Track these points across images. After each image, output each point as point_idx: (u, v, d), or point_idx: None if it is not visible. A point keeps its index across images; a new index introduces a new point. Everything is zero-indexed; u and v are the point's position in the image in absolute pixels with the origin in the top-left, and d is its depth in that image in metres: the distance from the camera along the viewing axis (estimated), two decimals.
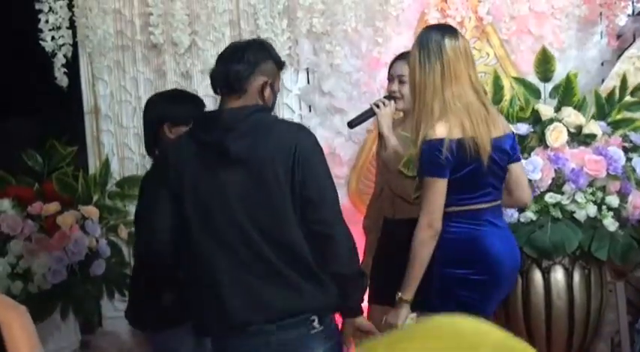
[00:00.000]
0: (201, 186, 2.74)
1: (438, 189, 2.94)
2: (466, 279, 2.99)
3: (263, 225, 2.69)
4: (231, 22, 4.72)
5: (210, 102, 4.79)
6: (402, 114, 3.72)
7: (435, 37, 3.02)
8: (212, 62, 4.57)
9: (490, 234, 3.03)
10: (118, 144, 4.92)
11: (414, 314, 3.03)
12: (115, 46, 4.83)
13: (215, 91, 2.89)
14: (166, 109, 3.34)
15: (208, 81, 4.64)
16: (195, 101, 3.55)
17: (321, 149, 2.84)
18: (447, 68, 2.98)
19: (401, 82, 3.63)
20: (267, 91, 2.81)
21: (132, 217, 4.59)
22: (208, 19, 4.63)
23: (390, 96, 3.64)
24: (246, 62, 2.80)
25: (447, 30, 3.10)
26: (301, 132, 2.85)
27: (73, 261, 4.06)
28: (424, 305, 3.05)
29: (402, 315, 3.00)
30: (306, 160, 2.71)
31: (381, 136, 3.64)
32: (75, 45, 4.77)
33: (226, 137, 2.70)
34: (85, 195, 4.27)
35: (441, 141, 2.90)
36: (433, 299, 3.02)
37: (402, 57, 3.71)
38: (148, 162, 4.82)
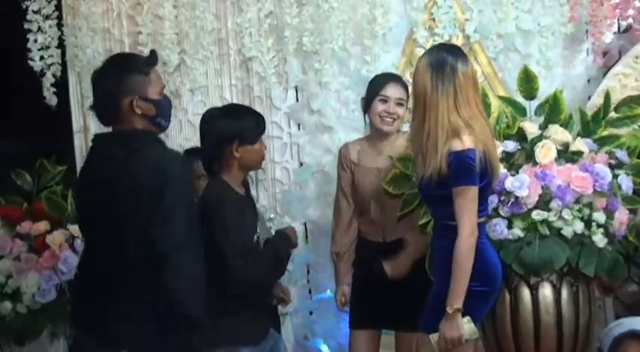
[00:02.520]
0: (84, 208, 2.94)
1: (474, 196, 3.04)
2: (472, 292, 3.06)
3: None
4: (219, 40, 4.76)
5: (199, 121, 4.85)
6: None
7: (449, 60, 3.10)
8: (201, 80, 4.70)
9: (488, 246, 3.20)
10: None
11: (467, 318, 3.07)
12: None
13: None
14: (235, 126, 3.34)
15: (197, 99, 4.78)
16: (258, 117, 3.56)
17: (181, 183, 2.79)
18: (459, 92, 3.07)
19: (399, 105, 3.71)
20: (142, 106, 2.81)
21: None
22: (197, 38, 4.66)
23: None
24: (103, 94, 2.84)
25: (458, 53, 3.18)
26: (164, 162, 2.81)
27: (62, 281, 4.06)
28: (427, 322, 3.14)
29: (460, 324, 3.04)
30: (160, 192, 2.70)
31: None
32: (64, 64, 4.81)
33: (96, 160, 2.87)
34: (75, 214, 4.27)
35: (472, 150, 3.01)
36: (437, 314, 3.09)
37: (397, 80, 3.78)
38: None
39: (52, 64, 4.73)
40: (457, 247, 3.01)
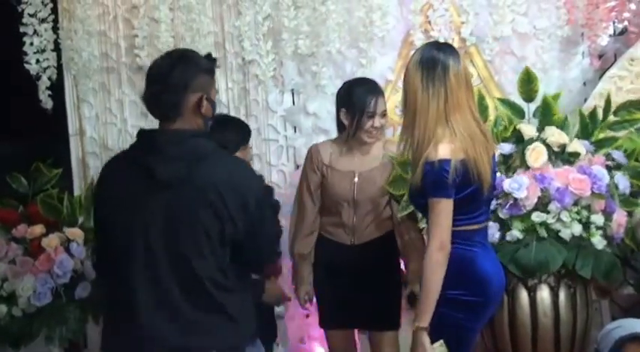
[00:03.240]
0: (122, 208, 2.71)
1: (446, 209, 2.88)
2: (459, 300, 2.95)
3: (178, 253, 2.65)
4: (216, 43, 4.75)
5: None
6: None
7: (441, 59, 2.94)
8: None
9: (480, 255, 3.03)
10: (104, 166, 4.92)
11: (440, 342, 2.93)
12: (100, 68, 4.86)
13: (153, 114, 2.82)
14: (214, 136, 3.31)
15: None
16: (241, 125, 3.60)
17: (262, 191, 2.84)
18: (450, 95, 2.92)
19: (383, 116, 3.74)
20: (204, 106, 2.75)
21: None
22: (193, 42, 4.64)
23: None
24: (175, 87, 2.73)
25: (450, 52, 3.01)
26: (238, 167, 2.81)
27: (58, 284, 4.04)
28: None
29: (426, 344, 2.88)
30: (240, 197, 2.67)
31: None
32: (60, 67, 4.79)
33: (155, 160, 2.65)
34: (70, 218, 4.26)
35: (447, 161, 2.85)
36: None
37: (380, 93, 3.77)
38: None
39: (47, 67, 4.71)
40: (424, 261, 2.90)
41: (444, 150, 2.87)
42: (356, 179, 3.78)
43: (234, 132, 3.57)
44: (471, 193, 2.94)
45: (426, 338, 2.88)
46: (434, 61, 2.94)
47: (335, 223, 3.85)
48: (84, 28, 4.73)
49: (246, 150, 3.62)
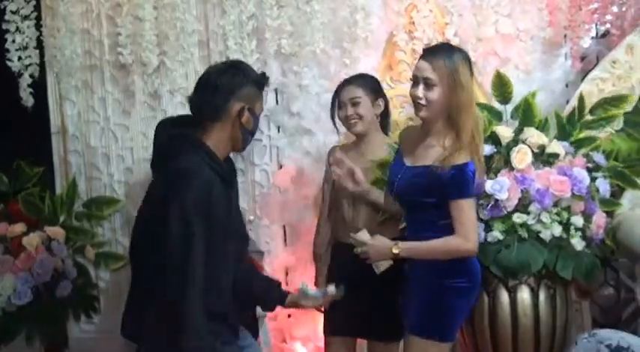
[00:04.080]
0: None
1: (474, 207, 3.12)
2: (463, 288, 3.15)
3: None
4: (200, 42, 4.74)
5: None
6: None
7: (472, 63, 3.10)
8: (180, 82, 4.69)
9: None
10: (86, 164, 4.93)
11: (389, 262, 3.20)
12: (82, 66, 4.85)
13: (194, 117, 2.89)
14: None
15: (177, 100, 4.78)
16: None
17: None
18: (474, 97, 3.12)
19: (354, 105, 3.70)
20: (246, 116, 2.81)
21: (99, 238, 4.62)
22: (177, 40, 4.64)
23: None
24: (220, 90, 2.80)
25: None
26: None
27: (38, 282, 4.05)
28: (419, 324, 3.16)
29: (384, 251, 3.15)
30: None
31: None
32: (42, 65, 4.78)
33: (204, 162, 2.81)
34: (52, 216, 4.26)
35: (472, 163, 3.05)
36: (424, 311, 3.14)
37: (349, 82, 3.79)
38: (115, 183, 4.86)
39: (30, 64, 4.70)
40: (457, 245, 3.08)
41: (465, 155, 3.04)
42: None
43: None
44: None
45: (390, 251, 3.12)
46: (470, 61, 3.10)
47: (341, 223, 3.85)
48: (67, 25, 4.72)
49: None
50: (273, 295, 3.18)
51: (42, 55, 4.75)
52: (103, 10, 4.83)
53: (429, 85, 3.04)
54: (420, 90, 3.07)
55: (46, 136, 4.94)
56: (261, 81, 2.89)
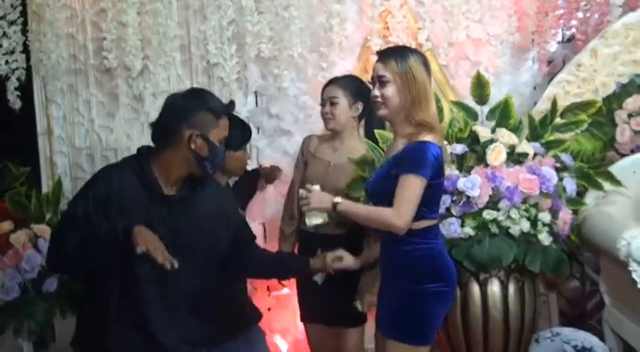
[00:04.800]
0: None
1: (421, 187, 2.91)
2: (439, 293, 3.03)
3: None
4: (182, 47, 4.75)
5: None
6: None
7: (429, 63, 3.08)
8: (163, 85, 4.69)
9: (443, 247, 3.13)
10: (71, 164, 4.92)
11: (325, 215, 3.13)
12: (68, 69, 4.84)
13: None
14: None
15: (159, 103, 4.71)
16: (246, 127, 3.62)
17: None
18: (432, 94, 3.06)
19: (332, 104, 3.73)
20: (198, 143, 2.78)
21: None
22: (160, 44, 4.65)
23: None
24: (173, 116, 2.80)
25: None
26: None
27: (25, 279, 4.02)
28: (391, 328, 3.08)
29: (325, 202, 3.05)
30: None
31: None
32: (29, 69, 4.76)
33: None
34: (38, 214, 4.23)
35: (437, 146, 2.94)
36: (400, 317, 3.04)
37: (332, 82, 3.82)
38: None
39: (16, 68, 4.68)
40: (386, 219, 2.93)
41: (429, 135, 2.94)
42: (330, 168, 3.80)
43: (239, 131, 3.57)
44: (439, 185, 3.02)
45: (328, 203, 3.04)
46: (429, 64, 3.08)
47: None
48: (52, 30, 4.70)
49: (246, 151, 3.66)
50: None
51: (28, 59, 4.74)
52: (88, 16, 4.83)
53: (382, 82, 3.03)
54: (376, 89, 3.06)
55: (32, 137, 4.92)
56: (218, 109, 2.83)
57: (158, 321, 2.82)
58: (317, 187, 3.12)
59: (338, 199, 3.03)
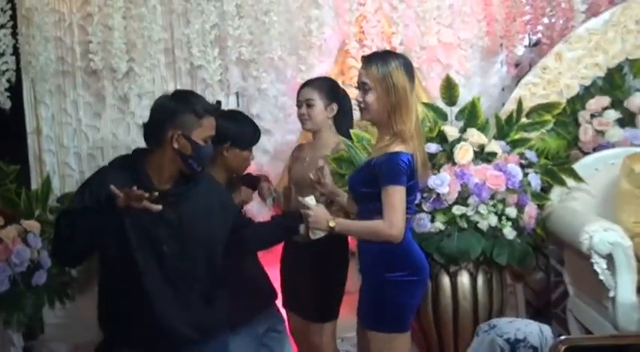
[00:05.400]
0: None
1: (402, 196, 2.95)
2: (404, 281, 3.02)
3: None
4: (166, 49, 4.76)
5: None
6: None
7: (413, 68, 3.07)
8: (148, 87, 4.71)
9: (412, 240, 3.14)
10: (59, 162, 4.92)
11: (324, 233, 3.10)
12: (56, 71, 4.83)
13: None
14: (231, 127, 3.35)
15: (144, 103, 4.79)
16: (257, 127, 3.60)
17: None
18: (417, 99, 3.09)
19: (308, 106, 3.75)
20: (180, 142, 2.81)
21: None
22: (144, 47, 4.65)
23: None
24: (157, 118, 2.84)
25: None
26: None
27: (15, 272, 4.02)
28: (368, 320, 3.09)
29: (322, 221, 3.03)
30: None
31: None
32: (18, 70, 4.76)
33: None
34: (27, 210, 4.24)
35: (408, 154, 2.96)
36: (376, 307, 3.05)
37: (307, 84, 3.83)
38: None
39: (6, 70, 4.68)
40: (380, 230, 2.96)
41: (406, 147, 2.96)
42: (306, 163, 3.79)
43: (252, 130, 3.57)
44: (412, 185, 3.03)
45: (326, 221, 3.02)
46: (412, 68, 3.07)
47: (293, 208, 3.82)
48: (41, 33, 4.70)
49: (251, 152, 3.63)
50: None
51: (18, 61, 4.73)
52: (75, 20, 4.83)
53: (365, 89, 3.04)
54: (359, 95, 3.08)
55: (22, 136, 4.91)
56: (201, 110, 2.85)
57: (164, 309, 2.85)
58: (311, 200, 3.10)
59: (332, 223, 3.03)
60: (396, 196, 2.93)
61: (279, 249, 3.85)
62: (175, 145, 2.81)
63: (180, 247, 2.85)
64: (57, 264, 3.94)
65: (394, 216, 2.93)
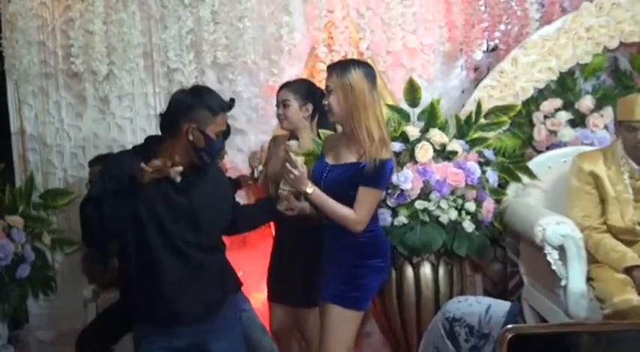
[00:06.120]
0: None
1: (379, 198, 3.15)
2: (376, 267, 3.19)
3: None
4: (144, 53, 4.75)
5: (126, 124, 4.84)
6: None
7: (375, 75, 3.16)
8: (127, 88, 4.70)
9: (381, 229, 3.32)
10: (42, 161, 4.90)
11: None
12: (39, 73, 4.82)
13: None
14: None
15: (124, 104, 4.77)
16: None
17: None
18: (379, 104, 3.14)
19: (284, 106, 3.77)
20: (195, 135, 2.85)
21: (55, 225, 4.60)
22: (124, 51, 4.65)
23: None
24: (174, 111, 2.89)
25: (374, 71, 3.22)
26: None
27: (0, 265, 4.00)
28: (329, 290, 3.17)
29: (304, 186, 3.10)
30: None
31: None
32: (2, 73, 4.75)
33: None
34: (12, 206, 4.22)
35: (390, 160, 3.09)
36: (343, 285, 3.15)
37: (285, 86, 3.85)
38: (68, 177, 4.84)
39: None
40: (347, 222, 3.10)
41: (390, 151, 3.10)
42: (278, 161, 3.75)
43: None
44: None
45: (308, 190, 3.10)
46: (374, 76, 3.15)
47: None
48: (25, 38, 4.68)
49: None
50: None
51: (2, 64, 4.72)
52: (58, 25, 4.82)
53: (329, 92, 3.15)
54: (325, 98, 3.19)
55: (6, 136, 4.90)
56: (215, 106, 2.90)
57: (175, 285, 2.90)
58: (301, 159, 3.16)
59: (310, 189, 3.11)
60: (373, 198, 3.12)
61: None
62: (190, 137, 2.85)
63: (190, 229, 2.91)
64: (91, 247, 3.78)
65: (364, 214, 3.09)
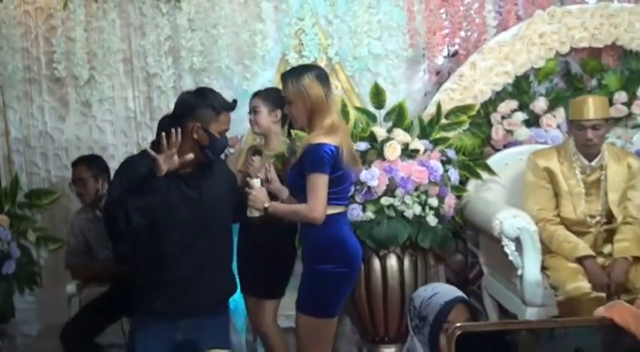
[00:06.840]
0: None
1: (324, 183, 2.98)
2: (333, 273, 3.03)
3: None
4: (124, 59, 4.73)
5: (107, 126, 4.82)
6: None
7: (327, 76, 3.12)
8: (108, 93, 4.69)
9: (347, 234, 3.14)
10: (27, 162, 4.86)
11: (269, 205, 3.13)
12: (23, 79, 4.77)
13: None
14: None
15: (105, 108, 4.75)
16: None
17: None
18: (332, 101, 3.09)
19: (255, 112, 3.78)
20: (199, 134, 2.88)
21: (39, 224, 4.56)
22: (104, 57, 4.63)
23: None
24: (180, 111, 2.92)
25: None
26: None
27: None
28: (300, 299, 3.11)
29: (261, 198, 3.09)
30: None
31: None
32: None
33: None
34: None
35: (325, 144, 2.96)
36: (306, 292, 3.08)
37: (256, 94, 3.87)
38: (53, 177, 4.81)
39: None
40: (304, 214, 3.03)
41: (323, 138, 2.98)
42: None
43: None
44: (342, 176, 3.04)
45: (262, 196, 3.09)
46: (326, 76, 3.12)
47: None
48: (9, 44, 4.64)
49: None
50: None
51: None
52: (41, 32, 4.78)
53: (288, 103, 3.11)
54: (286, 108, 3.17)
55: None
56: (218, 106, 2.91)
57: (188, 276, 2.92)
58: (257, 182, 3.14)
59: (267, 204, 3.08)
60: (317, 183, 2.96)
61: None
62: (195, 136, 2.87)
63: (201, 220, 2.94)
64: (118, 246, 3.58)
65: (315, 201, 2.97)
